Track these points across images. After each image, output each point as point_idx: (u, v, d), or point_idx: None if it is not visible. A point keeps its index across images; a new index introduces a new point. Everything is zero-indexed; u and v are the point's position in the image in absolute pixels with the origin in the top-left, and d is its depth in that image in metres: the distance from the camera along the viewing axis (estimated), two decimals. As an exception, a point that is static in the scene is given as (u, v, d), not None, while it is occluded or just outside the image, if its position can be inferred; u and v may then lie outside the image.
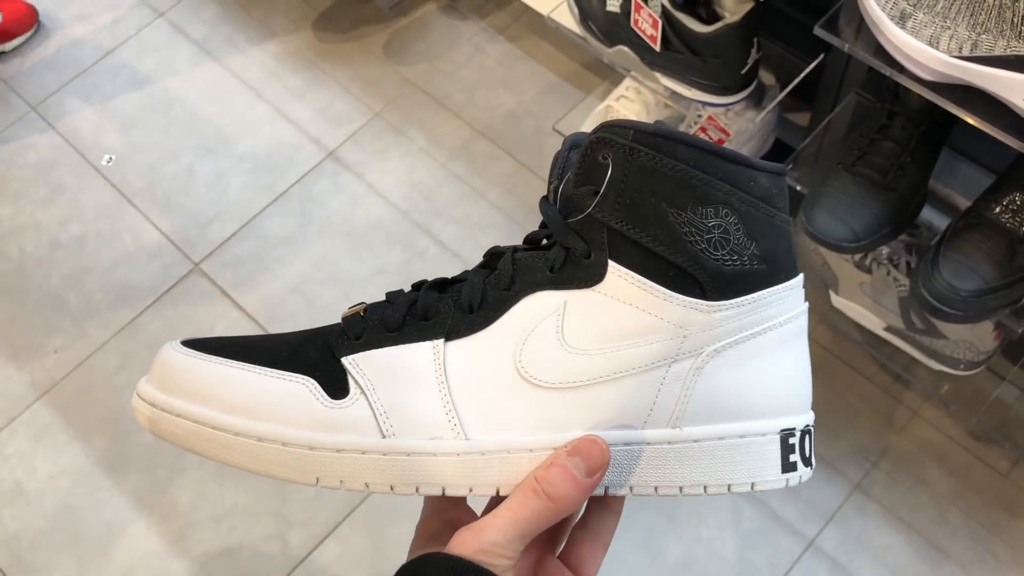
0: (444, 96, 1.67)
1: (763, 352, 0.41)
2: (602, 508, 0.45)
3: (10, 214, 1.58)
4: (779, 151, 1.34)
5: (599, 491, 0.40)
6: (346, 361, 0.41)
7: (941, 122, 1.04)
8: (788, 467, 0.41)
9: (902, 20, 0.84)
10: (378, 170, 1.59)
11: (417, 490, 0.40)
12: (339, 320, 0.44)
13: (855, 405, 1.35)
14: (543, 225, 0.43)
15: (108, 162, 1.63)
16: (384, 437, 0.40)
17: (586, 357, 0.39)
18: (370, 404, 0.40)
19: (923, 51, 0.84)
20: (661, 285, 0.39)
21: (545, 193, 0.44)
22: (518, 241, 0.45)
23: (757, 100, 1.24)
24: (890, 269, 1.18)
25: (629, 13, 1.13)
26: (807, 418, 0.43)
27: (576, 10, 1.22)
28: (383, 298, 0.44)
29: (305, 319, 1.46)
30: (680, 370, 0.40)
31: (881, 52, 0.91)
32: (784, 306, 0.41)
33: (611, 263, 0.39)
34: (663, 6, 1.09)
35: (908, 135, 1.03)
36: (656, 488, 0.40)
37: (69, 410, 1.41)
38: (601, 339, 0.39)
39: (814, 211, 1.07)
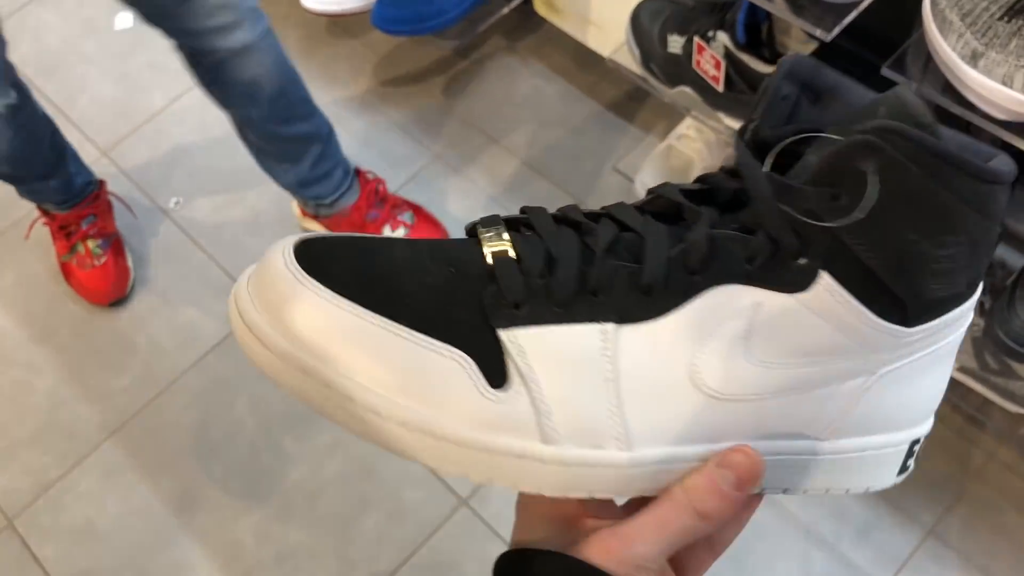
0: (504, 136, 1.68)
1: (930, 367, 0.38)
2: None
3: (82, 257, 1.63)
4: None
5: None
6: (505, 337, 0.34)
7: (1013, 159, 1.02)
8: (903, 470, 0.40)
9: (973, 59, 0.83)
10: (439, 210, 1.60)
11: (565, 494, 0.36)
12: (477, 240, 0.37)
13: (926, 448, 1.30)
14: (729, 171, 0.37)
15: (176, 205, 1.67)
16: (545, 443, 0.34)
17: (765, 369, 0.35)
18: (532, 400, 0.34)
19: (996, 90, 0.82)
20: (870, 310, 0.35)
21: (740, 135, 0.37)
22: None
23: (821, 138, 1.23)
24: (962, 309, 1.15)
25: (691, 54, 1.13)
26: (932, 421, 0.41)
27: (637, 52, 1.23)
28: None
29: (367, 359, 1.46)
30: (851, 387, 0.37)
31: (950, 91, 0.89)
32: (965, 318, 0.38)
33: (824, 275, 0.34)
34: (726, 47, 1.09)
35: (980, 173, 1.01)
36: (785, 490, 0.38)
37: (138, 449, 1.44)
38: (786, 353, 0.35)
39: (883, 251, 1.05)
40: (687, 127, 1.37)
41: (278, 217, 1.63)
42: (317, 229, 1.58)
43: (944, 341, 0.38)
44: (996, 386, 1.18)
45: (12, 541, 1.37)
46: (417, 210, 1.58)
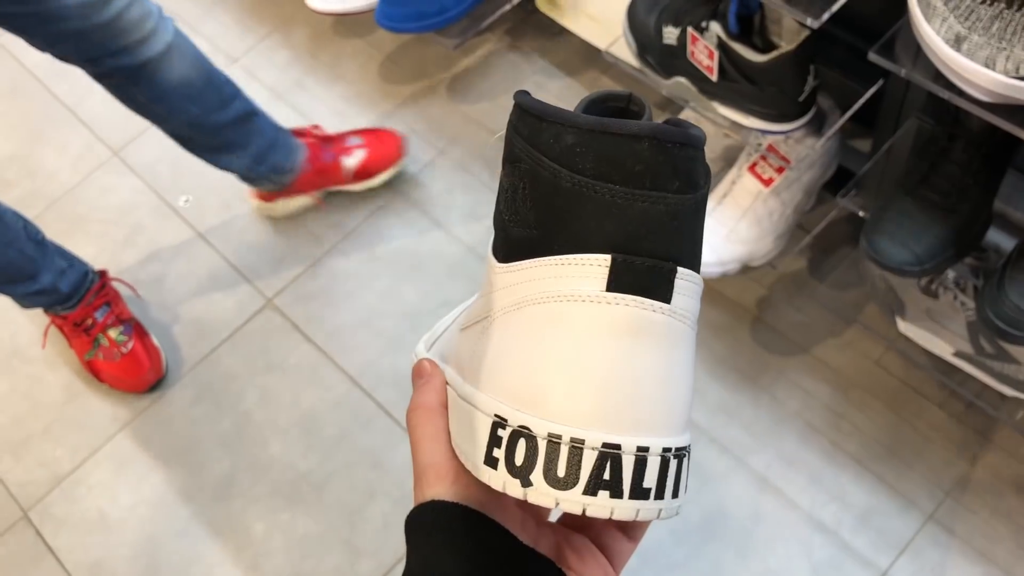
0: (507, 132, 1.70)
1: (515, 326, 0.37)
2: None
3: (92, 254, 1.65)
4: (842, 177, 1.34)
5: None
6: None
7: (1004, 143, 1.03)
8: (489, 461, 0.36)
9: (957, 43, 0.85)
10: (443, 205, 1.62)
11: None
12: None
13: (926, 434, 1.32)
14: None
15: (186, 203, 1.70)
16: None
17: (475, 300, 0.43)
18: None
19: (980, 73, 0.84)
20: (492, 244, 0.41)
21: None
22: None
23: (817, 127, 1.24)
24: (957, 293, 1.17)
25: (685, 45, 1.15)
26: (560, 429, 0.35)
27: (634, 44, 1.24)
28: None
29: (374, 351, 1.49)
30: (479, 326, 0.40)
31: (940, 76, 0.91)
32: (564, 284, 0.35)
33: None
34: (719, 37, 1.10)
35: (969, 157, 1.02)
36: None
37: (149, 442, 1.46)
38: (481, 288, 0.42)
39: (876, 236, 1.06)
40: (685, 119, 1.38)
41: (286, 214, 1.66)
42: (282, 205, 1.62)
43: (541, 298, 0.36)
44: (991, 370, 1.19)
45: (27, 532, 1.40)
46: (363, 132, 1.63)
